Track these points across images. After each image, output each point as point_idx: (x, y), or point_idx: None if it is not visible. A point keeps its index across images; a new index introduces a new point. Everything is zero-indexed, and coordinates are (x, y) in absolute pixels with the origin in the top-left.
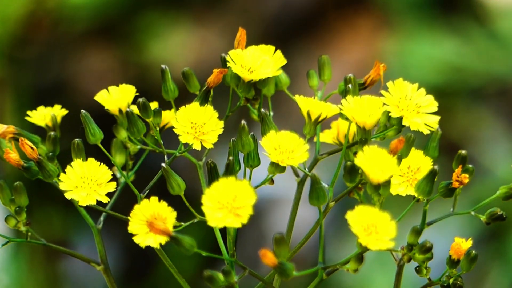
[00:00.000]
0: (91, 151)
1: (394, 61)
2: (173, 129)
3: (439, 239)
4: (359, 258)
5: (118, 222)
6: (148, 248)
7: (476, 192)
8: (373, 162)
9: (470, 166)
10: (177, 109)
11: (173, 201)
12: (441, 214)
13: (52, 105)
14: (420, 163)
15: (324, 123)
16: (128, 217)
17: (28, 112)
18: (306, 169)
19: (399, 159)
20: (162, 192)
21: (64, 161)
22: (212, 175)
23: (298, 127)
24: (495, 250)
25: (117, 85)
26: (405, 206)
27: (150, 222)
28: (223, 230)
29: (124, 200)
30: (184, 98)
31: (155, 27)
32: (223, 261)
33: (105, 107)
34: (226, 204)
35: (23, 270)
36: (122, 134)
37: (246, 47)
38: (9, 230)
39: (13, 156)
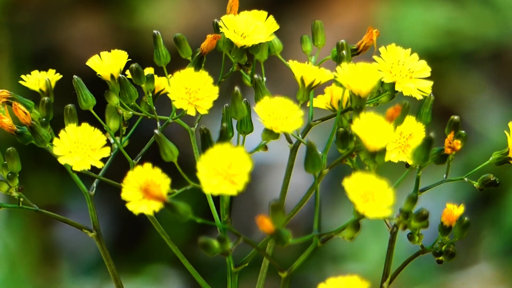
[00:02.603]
0: (84, 117)
1: (387, 25)
2: (167, 94)
3: (431, 205)
4: (356, 225)
5: (109, 189)
6: (140, 215)
7: (469, 157)
8: (370, 129)
9: (462, 132)
10: (169, 74)
11: (164, 168)
12: (433, 180)
13: (43, 71)
14: (412, 129)
15: (317, 89)
16: (121, 184)
17: (23, 76)
18: (300, 136)
19: (395, 127)
20: (155, 159)
21: (56, 126)
22: (205, 142)
23: (290, 92)
24: (488, 216)
25: (109, 50)
26: (395, 173)
27: (145, 188)
28: (216, 197)
29: (117, 167)
30: (175, 64)
31: None
32: (215, 229)
33: (97, 73)
34: (222, 171)
35: (15, 237)
36: (114, 100)
37: (238, 12)
38: (1, 197)
39: (6, 121)
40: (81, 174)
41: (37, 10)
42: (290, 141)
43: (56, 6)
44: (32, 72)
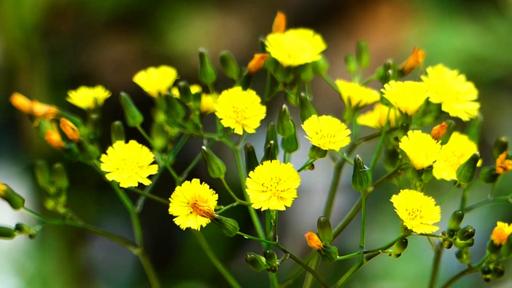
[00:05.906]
0: (128, 136)
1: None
2: (215, 113)
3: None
4: (403, 242)
5: (143, 207)
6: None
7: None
8: (417, 147)
9: (510, 153)
10: (215, 93)
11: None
12: (471, 200)
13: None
14: (464, 148)
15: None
16: (168, 200)
17: (70, 94)
18: (344, 154)
19: (440, 145)
20: (197, 177)
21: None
22: (251, 159)
23: (326, 111)
24: None
25: None
26: (437, 191)
27: (194, 203)
28: (259, 214)
29: (156, 184)
30: (216, 84)
31: (178, 17)
32: (248, 246)
33: (144, 89)
34: (270, 187)
35: (48, 259)
36: (161, 117)
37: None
38: (30, 217)
39: (54, 137)
40: (125, 191)
41: (69, 35)
42: (334, 160)
43: (88, 32)
44: (79, 89)
